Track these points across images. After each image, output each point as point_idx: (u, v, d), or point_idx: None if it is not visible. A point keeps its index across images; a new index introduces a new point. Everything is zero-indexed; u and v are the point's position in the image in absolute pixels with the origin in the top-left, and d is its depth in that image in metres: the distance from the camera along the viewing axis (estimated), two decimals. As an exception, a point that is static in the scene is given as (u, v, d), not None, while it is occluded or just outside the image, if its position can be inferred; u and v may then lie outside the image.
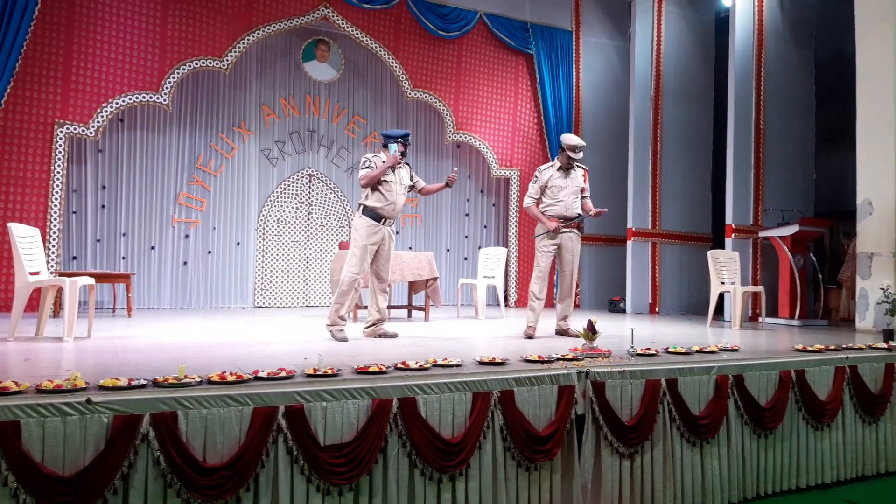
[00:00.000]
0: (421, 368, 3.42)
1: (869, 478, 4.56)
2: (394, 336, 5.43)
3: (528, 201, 5.86)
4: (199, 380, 2.94)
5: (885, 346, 5.00)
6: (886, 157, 6.81)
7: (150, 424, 2.68)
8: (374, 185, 5.26)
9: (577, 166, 5.84)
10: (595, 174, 10.59)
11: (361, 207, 5.31)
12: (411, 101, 9.82)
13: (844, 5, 7.59)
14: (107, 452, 2.60)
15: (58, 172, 7.61)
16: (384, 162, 5.29)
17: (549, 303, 10.30)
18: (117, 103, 7.92)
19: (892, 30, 6.85)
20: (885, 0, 6.92)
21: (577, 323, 5.16)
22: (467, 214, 10.43)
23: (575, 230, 5.80)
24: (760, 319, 7.60)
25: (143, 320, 6.69)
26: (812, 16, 9.31)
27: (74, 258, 8.05)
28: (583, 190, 5.82)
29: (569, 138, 5.74)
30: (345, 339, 5.06)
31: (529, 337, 5.51)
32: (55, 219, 7.59)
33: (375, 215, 5.26)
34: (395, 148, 5.34)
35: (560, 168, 5.76)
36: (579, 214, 5.76)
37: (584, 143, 5.75)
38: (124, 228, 8.32)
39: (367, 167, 5.27)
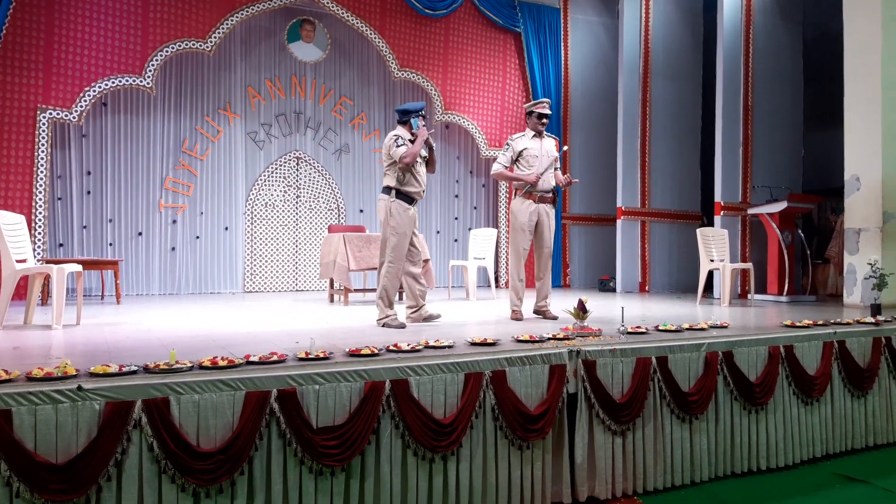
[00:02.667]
0: (413, 350, 3.42)
1: (858, 451, 4.62)
2: (437, 317, 5.20)
3: (497, 167, 5.49)
4: (190, 365, 2.93)
5: (872, 320, 5.05)
6: (873, 134, 6.84)
7: (142, 410, 2.67)
8: (408, 165, 4.90)
9: (548, 135, 5.62)
10: (584, 153, 10.64)
11: (394, 192, 4.92)
12: (399, 82, 9.74)
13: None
14: (99, 439, 2.60)
15: (41, 158, 7.52)
16: (412, 140, 4.92)
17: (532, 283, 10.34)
18: (100, 87, 7.81)
19: (879, 6, 6.84)
20: (872, -25, 6.91)
21: (563, 303, 5.17)
22: (457, 196, 10.41)
23: (550, 204, 5.51)
24: (749, 296, 7.65)
25: (132, 307, 6.66)
26: (800, -9, 9.30)
27: (61, 245, 7.97)
28: (555, 160, 5.52)
29: (537, 103, 5.52)
30: (403, 326, 4.83)
31: (518, 319, 5.38)
32: (40, 205, 7.51)
33: (409, 198, 4.95)
34: (417, 123, 5.00)
35: (534, 136, 5.48)
36: (555, 187, 5.51)
37: (548, 111, 5.52)
38: (111, 214, 8.24)
39: (401, 144, 4.89)
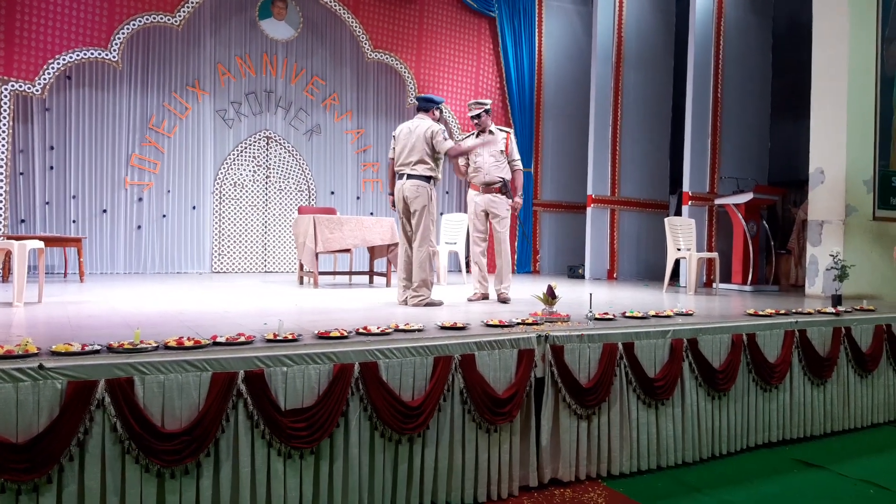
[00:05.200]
0: (382, 333, 3.42)
1: (816, 437, 4.75)
2: (440, 304, 5.33)
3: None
4: (155, 345, 2.88)
5: (833, 310, 5.18)
6: (839, 127, 6.97)
7: (105, 390, 2.62)
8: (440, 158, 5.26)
9: (500, 129, 5.83)
10: (557, 141, 10.68)
11: (433, 180, 5.25)
12: (372, 63, 9.64)
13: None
14: (61, 419, 2.54)
15: (3, 132, 7.31)
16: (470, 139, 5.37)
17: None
18: (64, 59, 7.60)
19: (846, 1, 6.95)
20: (841, -29, 7.01)
21: (532, 288, 5.20)
22: (428, 179, 10.35)
23: (497, 195, 5.71)
24: (714, 285, 7.79)
25: (96, 285, 6.53)
26: (771, -16, 9.41)
27: (23, 221, 7.77)
28: (505, 153, 5.74)
29: (470, 105, 5.85)
30: (441, 302, 5.30)
31: (484, 297, 5.74)
32: (1, 181, 7.31)
33: (434, 185, 5.32)
34: (445, 110, 5.40)
35: (478, 134, 5.81)
36: (501, 179, 5.69)
37: (477, 110, 5.75)
38: (74, 191, 8.05)
39: (447, 139, 5.22)
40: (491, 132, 5.77)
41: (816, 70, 7.20)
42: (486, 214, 5.79)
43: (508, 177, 5.76)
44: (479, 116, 5.76)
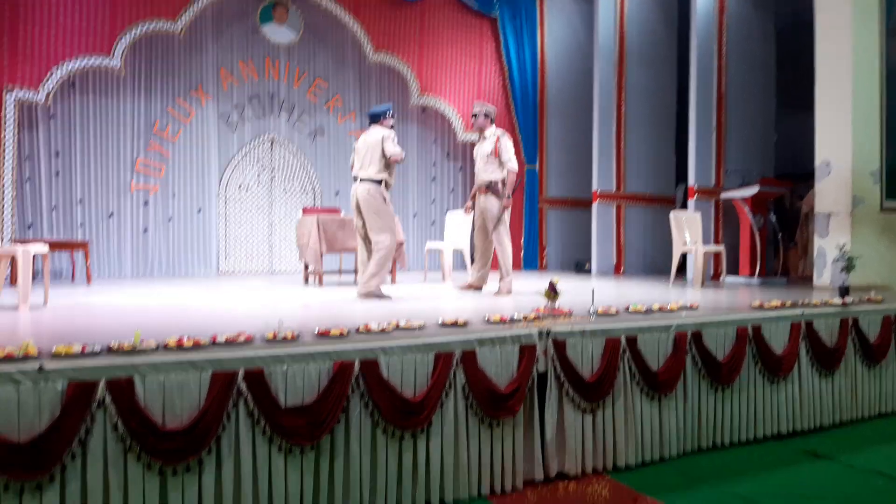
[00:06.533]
0: (383, 331, 3.42)
1: (826, 428, 4.71)
2: (388, 298, 5.55)
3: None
4: (155, 346, 2.89)
5: (840, 302, 5.14)
6: (844, 119, 6.93)
7: (106, 390, 2.65)
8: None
9: (496, 133, 6.11)
10: (561, 137, 10.66)
11: (383, 182, 5.62)
12: (374, 65, 9.64)
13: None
14: (62, 419, 2.57)
15: (8, 139, 7.36)
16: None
17: (513, 265, 10.37)
18: (68, 67, 7.64)
19: (850, -8, 6.91)
20: (843, -38, 6.96)
21: (538, 284, 5.18)
22: (434, 179, 10.38)
23: (487, 195, 6.08)
24: (722, 278, 7.74)
25: (103, 288, 6.57)
26: (773, -23, 9.36)
27: (30, 226, 7.83)
28: (495, 155, 6.04)
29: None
30: (389, 297, 5.56)
31: (472, 287, 6.28)
32: (7, 187, 7.36)
33: (386, 187, 5.69)
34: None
35: (480, 139, 6.24)
36: (490, 180, 6.05)
37: (476, 110, 6.19)
38: (80, 195, 8.10)
39: (395, 144, 5.60)
40: (485, 137, 6.15)
41: (820, 62, 7.16)
42: (481, 215, 6.17)
43: (499, 177, 6.05)
44: (475, 116, 6.19)
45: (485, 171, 6.12)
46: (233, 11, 8.87)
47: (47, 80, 7.52)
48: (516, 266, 10.33)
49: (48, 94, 7.55)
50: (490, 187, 6.08)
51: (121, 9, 7.88)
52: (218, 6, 8.66)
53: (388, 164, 5.62)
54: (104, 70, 8.02)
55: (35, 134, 7.83)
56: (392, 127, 5.82)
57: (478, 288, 6.36)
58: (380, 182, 5.61)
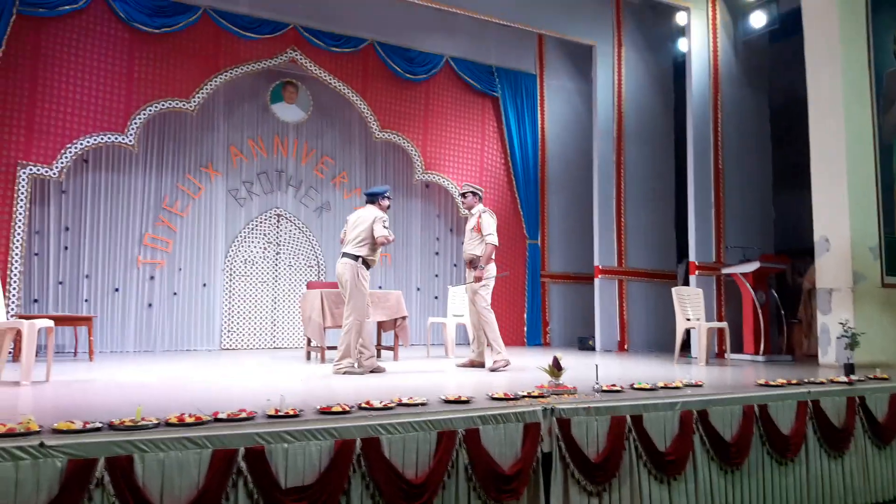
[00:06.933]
0: (385, 408, 3.39)
1: (837, 513, 4.59)
2: (361, 373, 5.64)
3: None
4: (156, 422, 2.88)
5: (846, 379, 5.09)
6: (840, 196, 7.04)
7: (105, 469, 2.61)
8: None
9: (481, 211, 6.38)
10: (562, 213, 10.81)
11: (361, 258, 5.75)
12: (379, 142, 9.90)
13: (796, 50, 7.91)
14: (60, 498, 2.53)
15: (20, 214, 7.48)
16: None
17: (517, 341, 10.33)
18: (82, 144, 7.86)
19: (840, 74, 7.15)
20: (833, 46, 7.24)
21: (542, 361, 5.16)
22: (437, 253, 10.47)
23: (470, 269, 6.34)
24: (726, 355, 7.69)
25: (105, 364, 6.54)
26: (765, 61, 9.70)
27: (36, 301, 7.86)
28: (476, 230, 6.30)
29: None
30: (362, 373, 5.66)
31: (473, 365, 6.33)
32: (16, 261, 7.44)
33: (366, 264, 5.83)
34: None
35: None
36: (473, 255, 6.31)
37: (464, 190, 6.62)
38: (87, 270, 8.17)
39: (385, 227, 5.79)
40: (472, 214, 6.46)
41: (814, 141, 7.33)
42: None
43: (480, 252, 6.27)
44: (464, 196, 6.61)
45: (469, 247, 6.37)
46: (244, 91, 9.19)
47: (61, 156, 7.71)
48: (519, 343, 10.30)
49: (61, 170, 7.72)
50: (472, 262, 6.30)
51: (136, 88, 8.17)
52: (230, 86, 8.97)
53: (374, 244, 5.78)
54: (117, 147, 8.23)
55: (46, 209, 7.97)
56: (388, 208, 6.02)
57: (479, 364, 6.36)
58: (356, 258, 5.74)
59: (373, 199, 5.99)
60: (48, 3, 7.61)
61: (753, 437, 4.27)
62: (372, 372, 5.76)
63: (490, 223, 6.32)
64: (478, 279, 6.23)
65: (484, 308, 6.25)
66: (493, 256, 6.38)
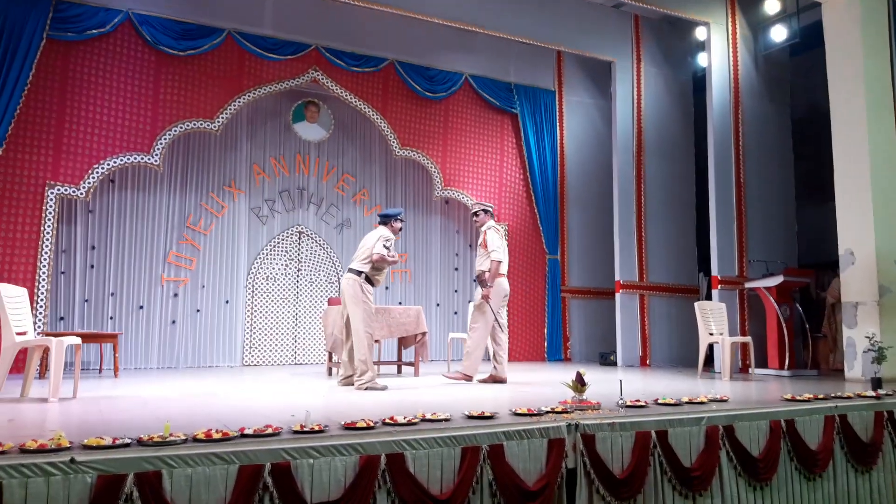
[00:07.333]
0: (409, 423, 3.40)
1: (867, 530, 4.51)
2: (383, 388, 5.65)
3: None
4: (184, 438, 2.91)
5: (873, 394, 5.01)
6: (865, 209, 6.96)
7: (133, 484, 2.64)
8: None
9: (491, 227, 6.47)
10: (582, 228, 10.80)
11: (363, 274, 5.85)
12: (399, 160, 9.98)
13: (817, 63, 7.87)
14: (89, 514, 2.56)
15: (47, 233, 7.63)
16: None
17: (537, 357, 10.30)
18: (109, 164, 8.01)
19: (862, 86, 7.10)
20: (855, 59, 7.20)
21: (563, 376, 5.15)
22: (457, 269, 10.49)
23: (477, 286, 6.44)
24: (750, 370, 7.60)
25: (130, 380, 6.62)
26: (786, 74, 9.65)
27: (62, 318, 7.99)
28: (483, 247, 6.39)
29: None
30: (385, 387, 5.70)
31: (495, 380, 6.35)
32: (44, 279, 7.58)
33: (369, 280, 5.94)
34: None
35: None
36: (480, 271, 6.39)
37: (476, 209, 6.72)
38: (113, 288, 8.29)
39: (386, 247, 5.89)
40: (482, 231, 6.50)
41: (838, 154, 7.27)
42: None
43: (486, 268, 6.34)
44: (475, 215, 6.70)
45: (478, 263, 6.50)
46: (267, 111, 9.34)
47: (88, 176, 7.87)
48: (539, 358, 10.28)
49: (88, 190, 7.88)
50: (479, 278, 6.40)
51: (162, 109, 8.33)
52: (253, 106, 9.13)
53: (376, 262, 5.88)
54: (143, 167, 8.38)
55: (73, 228, 8.12)
56: (399, 230, 6.14)
57: (501, 380, 6.36)
58: (359, 273, 5.84)
59: (385, 220, 6.14)
60: (77, 27, 7.81)
61: (781, 452, 4.21)
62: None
63: (495, 239, 6.36)
64: (485, 297, 6.27)
65: (482, 324, 6.34)
66: (504, 272, 6.40)
